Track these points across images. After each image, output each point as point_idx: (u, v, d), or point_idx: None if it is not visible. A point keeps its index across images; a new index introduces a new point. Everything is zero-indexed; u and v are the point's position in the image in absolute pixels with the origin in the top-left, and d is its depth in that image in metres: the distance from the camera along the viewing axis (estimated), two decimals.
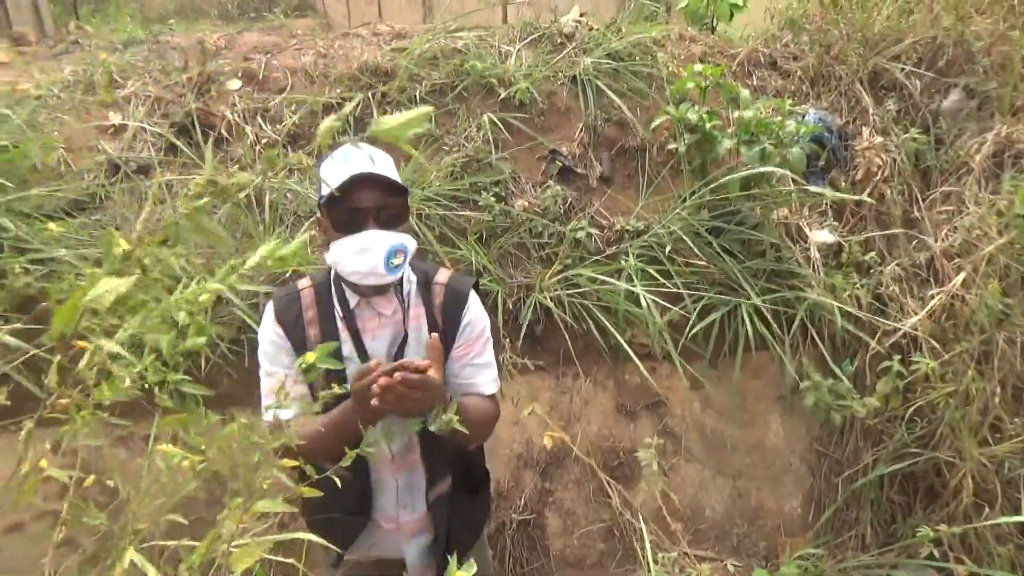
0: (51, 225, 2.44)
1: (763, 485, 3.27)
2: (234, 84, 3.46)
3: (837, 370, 3.11)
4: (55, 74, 3.42)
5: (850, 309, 3.15)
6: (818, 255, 3.27)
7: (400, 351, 1.71)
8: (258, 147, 3.24)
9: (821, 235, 3.31)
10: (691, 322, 3.06)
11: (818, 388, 2.95)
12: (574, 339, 3.10)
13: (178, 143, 3.14)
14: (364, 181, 1.57)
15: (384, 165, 1.65)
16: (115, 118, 3.20)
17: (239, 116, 3.32)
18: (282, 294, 1.76)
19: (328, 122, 0.78)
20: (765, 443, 3.29)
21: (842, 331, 3.11)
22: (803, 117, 3.53)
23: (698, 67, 3.19)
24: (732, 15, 4.39)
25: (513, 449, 3.06)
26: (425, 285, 1.79)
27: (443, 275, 1.83)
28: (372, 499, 1.82)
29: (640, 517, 2.88)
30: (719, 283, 3.17)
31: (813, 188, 3.14)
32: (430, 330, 1.75)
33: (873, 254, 3.29)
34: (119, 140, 3.16)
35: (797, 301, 3.14)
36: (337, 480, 1.27)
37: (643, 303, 3.00)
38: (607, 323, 3.06)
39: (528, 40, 3.88)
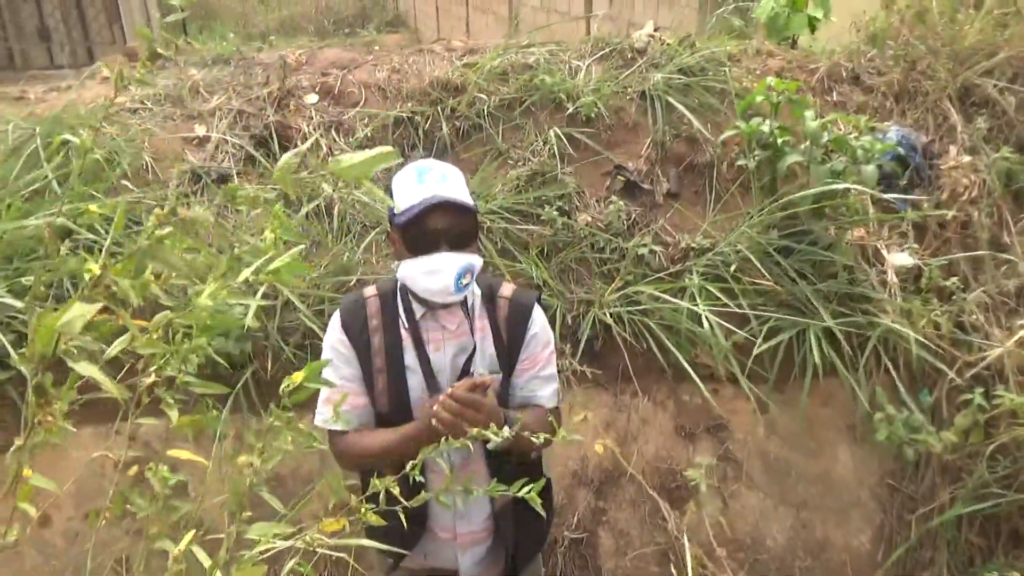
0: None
1: (829, 518, 3.13)
2: (311, 98, 3.60)
3: (910, 401, 2.96)
4: (148, 88, 3.63)
5: (924, 338, 2.98)
6: (895, 279, 3.12)
7: (467, 364, 1.74)
8: (330, 159, 3.35)
9: (899, 257, 3.16)
10: (757, 344, 2.97)
11: (891, 421, 2.80)
12: (633, 357, 3.06)
13: (256, 155, 3.29)
14: (439, 204, 1.59)
15: (456, 184, 1.67)
16: (200, 130, 3.38)
17: (314, 129, 3.45)
18: (349, 301, 1.81)
19: (287, 158, 0.80)
20: (832, 474, 3.14)
21: (918, 360, 2.95)
22: (884, 134, 3.39)
23: (770, 80, 3.11)
24: (813, 28, 4.26)
25: (567, 466, 3.04)
26: (490, 299, 1.82)
27: (507, 289, 1.86)
28: (428, 511, 1.83)
29: (687, 540, 2.80)
30: (786, 304, 3.06)
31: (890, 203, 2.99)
32: (495, 343, 1.78)
33: (956, 279, 3.11)
34: (203, 151, 3.33)
35: (870, 326, 3.00)
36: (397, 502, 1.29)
37: (705, 323, 2.94)
38: (668, 342, 3.00)
39: (599, 55, 3.87)
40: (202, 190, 3.16)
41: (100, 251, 2.60)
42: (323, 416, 1.74)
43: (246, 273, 0.92)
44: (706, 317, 2.94)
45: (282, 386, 1.01)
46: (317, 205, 3.16)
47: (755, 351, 2.98)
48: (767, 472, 3.14)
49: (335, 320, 1.78)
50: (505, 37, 4.25)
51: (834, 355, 2.98)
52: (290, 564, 1.19)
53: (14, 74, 8.16)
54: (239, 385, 2.80)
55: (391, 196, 1.68)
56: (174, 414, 1.16)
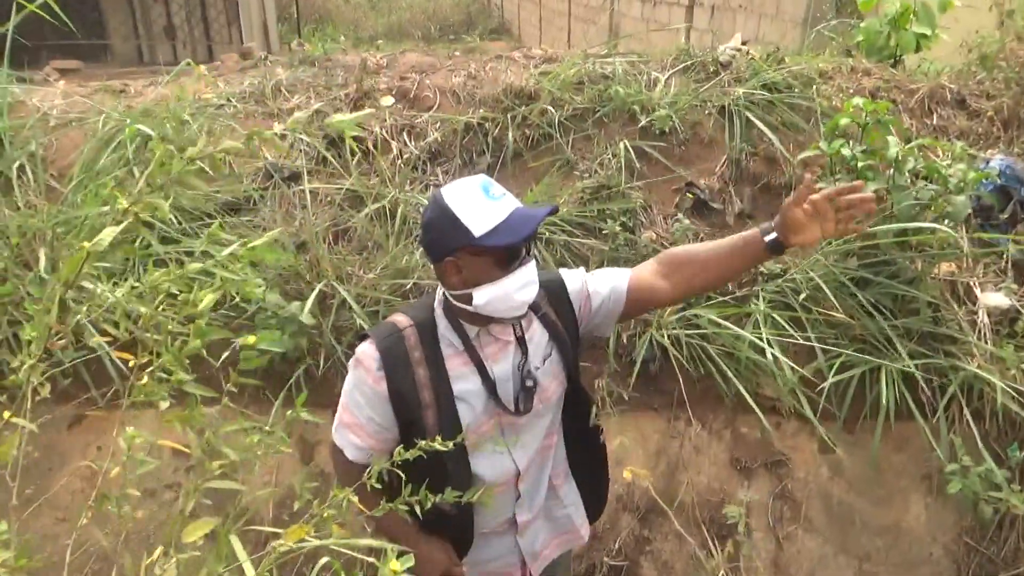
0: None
1: (895, 572, 2.89)
2: (387, 101, 3.64)
3: (998, 454, 2.70)
4: (236, 86, 3.77)
5: (1015, 387, 2.72)
6: (987, 320, 2.86)
7: (523, 366, 1.69)
8: (399, 162, 3.38)
9: (994, 298, 2.90)
10: (825, 380, 2.79)
11: (967, 474, 2.56)
12: (690, 382, 2.93)
13: (327, 155, 3.35)
14: (523, 214, 1.54)
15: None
16: (277, 128, 3.46)
17: (387, 132, 3.49)
18: (385, 337, 1.65)
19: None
20: (902, 525, 2.91)
21: (1002, 409, 2.69)
22: (987, 163, 3.12)
23: (857, 101, 2.92)
24: (919, 47, 3.98)
25: (612, 490, 2.93)
26: None
27: None
28: (478, 518, 1.77)
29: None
30: (859, 340, 2.86)
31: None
32: (547, 328, 1.74)
33: None
34: (278, 149, 3.42)
35: (953, 370, 2.76)
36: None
37: (769, 354, 2.78)
38: (728, 370, 2.86)
39: (680, 67, 3.75)
40: (274, 186, 3.25)
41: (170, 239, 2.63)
42: (343, 440, 1.70)
43: (228, 251, 0.96)
44: (770, 349, 2.77)
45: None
46: (381, 206, 3.18)
47: (823, 387, 2.79)
48: (828, 517, 2.93)
49: (369, 357, 1.63)
50: (612, 45, 4.14)
51: (910, 398, 2.76)
52: (321, 562, 1.19)
53: (140, 69, 8.74)
54: (291, 380, 2.85)
55: (449, 226, 1.52)
56: (164, 404, 1.19)
